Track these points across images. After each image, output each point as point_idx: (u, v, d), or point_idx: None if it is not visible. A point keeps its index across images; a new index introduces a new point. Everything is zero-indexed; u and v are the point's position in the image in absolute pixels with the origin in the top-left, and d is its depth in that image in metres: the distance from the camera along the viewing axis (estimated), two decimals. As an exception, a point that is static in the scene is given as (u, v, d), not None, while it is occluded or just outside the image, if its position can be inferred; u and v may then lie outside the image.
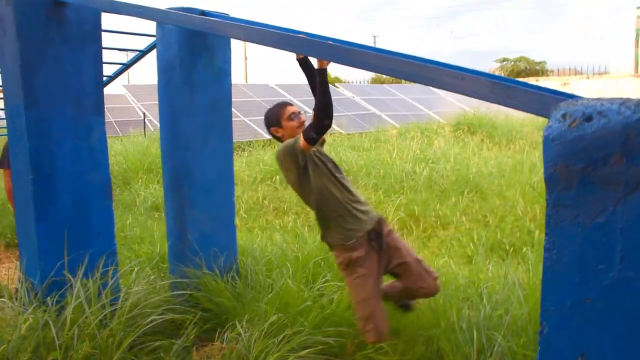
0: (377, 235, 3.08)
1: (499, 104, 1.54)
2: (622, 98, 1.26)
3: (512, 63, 39.58)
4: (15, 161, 3.41)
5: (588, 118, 1.23)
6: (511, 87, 1.52)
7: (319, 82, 2.82)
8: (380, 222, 3.15)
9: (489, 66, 40.11)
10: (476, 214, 6.66)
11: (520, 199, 6.74)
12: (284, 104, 3.20)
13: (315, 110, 2.86)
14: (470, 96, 1.61)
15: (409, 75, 1.76)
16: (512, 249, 5.38)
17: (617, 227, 1.22)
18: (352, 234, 2.99)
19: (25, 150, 3.23)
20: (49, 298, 3.11)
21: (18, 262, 4.14)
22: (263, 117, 3.28)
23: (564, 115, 1.27)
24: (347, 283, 3.12)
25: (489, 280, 4.10)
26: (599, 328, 1.28)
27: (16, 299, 3.24)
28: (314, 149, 2.97)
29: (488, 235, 5.74)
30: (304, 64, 3.16)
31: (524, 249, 5.20)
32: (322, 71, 2.80)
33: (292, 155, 2.95)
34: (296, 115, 3.13)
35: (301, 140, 2.86)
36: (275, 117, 3.16)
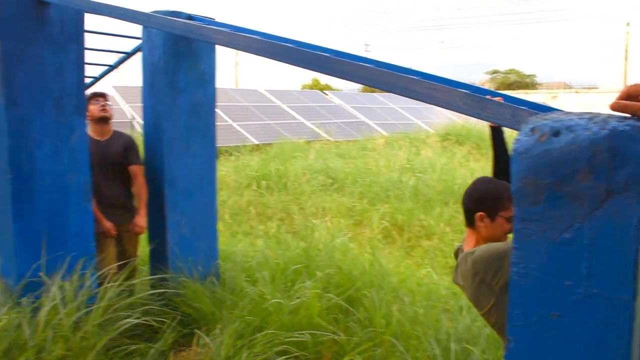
0: None
1: (473, 116, 1.53)
2: (591, 113, 1.25)
3: (503, 75, 39.99)
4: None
5: (556, 133, 1.22)
6: (485, 99, 1.51)
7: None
8: None
9: (480, 78, 40.46)
10: (460, 225, 6.66)
11: (504, 210, 6.76)
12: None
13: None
14: (444, 107, 1.60)
15: (383, 84, 1.75)
16: (494, 260, 5.38)
17: (584, 243, 1.21)
18: None
19: (5, 150, 3.19)
20: (24, 299, 3.06)
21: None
22: (474, 190, 2.17)
23: (532, 129, 1.27)
24: None
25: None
26: (564, 344, 1.27)
27: None
28: None
29: (471, 246, 5.74)
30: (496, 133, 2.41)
31: (506, 261, 5.21)
32: (494, 129, 2.22)
33: (499, 265, 1.92)
34: None
35: None
36: (493, 202, 2.08)
